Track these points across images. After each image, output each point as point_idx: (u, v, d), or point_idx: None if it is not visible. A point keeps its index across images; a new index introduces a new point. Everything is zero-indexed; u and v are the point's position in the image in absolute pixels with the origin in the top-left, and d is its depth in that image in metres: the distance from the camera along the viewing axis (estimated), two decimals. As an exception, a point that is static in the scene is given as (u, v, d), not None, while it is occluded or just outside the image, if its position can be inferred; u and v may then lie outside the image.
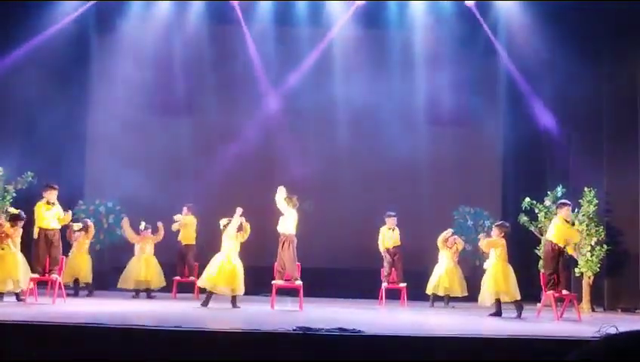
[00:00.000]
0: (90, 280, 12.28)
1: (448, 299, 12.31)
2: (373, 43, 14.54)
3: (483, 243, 10.67)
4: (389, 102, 14.11)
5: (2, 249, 10.13)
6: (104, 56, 14.34)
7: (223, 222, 10.53)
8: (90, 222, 12.54)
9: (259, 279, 11.37)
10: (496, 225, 10.77)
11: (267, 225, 10.95)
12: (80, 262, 12.19)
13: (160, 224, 12.36)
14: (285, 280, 10.56)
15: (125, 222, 12.36)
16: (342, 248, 13.65)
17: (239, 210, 10.47)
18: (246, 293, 10.66)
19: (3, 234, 10.21)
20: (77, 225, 12.25)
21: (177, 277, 12.52)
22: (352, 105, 14.27)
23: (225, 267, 10.26)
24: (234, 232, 10.37)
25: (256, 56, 14.40)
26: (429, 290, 12.30)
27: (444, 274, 12.21)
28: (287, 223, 10.59)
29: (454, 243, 12.41)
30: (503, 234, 10.50)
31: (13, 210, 11.00)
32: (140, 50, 14.10)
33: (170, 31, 14.37)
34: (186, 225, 12.54)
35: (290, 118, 14.57)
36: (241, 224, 10.44)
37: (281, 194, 10.56)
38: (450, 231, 12.48)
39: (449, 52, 14.36)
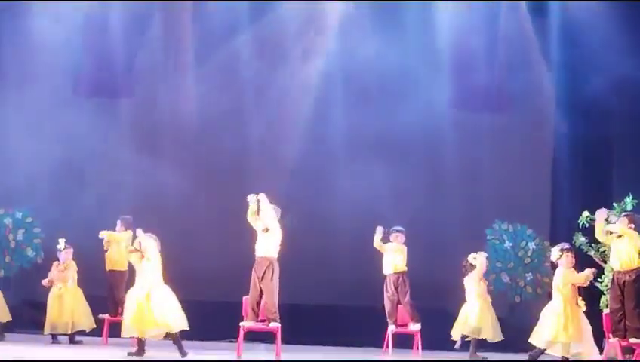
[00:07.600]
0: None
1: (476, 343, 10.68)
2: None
3: (570, 277, 9.23)
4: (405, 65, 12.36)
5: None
6: (15, 27, 12.58)
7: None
8: None
9: (222, 319, 10.36)
10: (565, 250, 9.45)
11: (239, 248, 10.01)
12: None
13: None
14: (260, 320, 9.47)
15: None
16: (336, 279, 12.19)
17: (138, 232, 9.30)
18: (206, 338, 10.25)
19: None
20: None
21: (106, 316, 10.75)
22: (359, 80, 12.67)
23: (141, 303, 8.93)
24: (134, 258, 9.25)
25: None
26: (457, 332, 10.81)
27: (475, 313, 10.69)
28: (265, 243, 9.41)
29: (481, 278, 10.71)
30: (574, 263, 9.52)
31: None
32: (63, 14, 12.34)
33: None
34: (117, 244, 10.65)
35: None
36: (139, 245, 9.14)
37: (252, 207, 9.43)
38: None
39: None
